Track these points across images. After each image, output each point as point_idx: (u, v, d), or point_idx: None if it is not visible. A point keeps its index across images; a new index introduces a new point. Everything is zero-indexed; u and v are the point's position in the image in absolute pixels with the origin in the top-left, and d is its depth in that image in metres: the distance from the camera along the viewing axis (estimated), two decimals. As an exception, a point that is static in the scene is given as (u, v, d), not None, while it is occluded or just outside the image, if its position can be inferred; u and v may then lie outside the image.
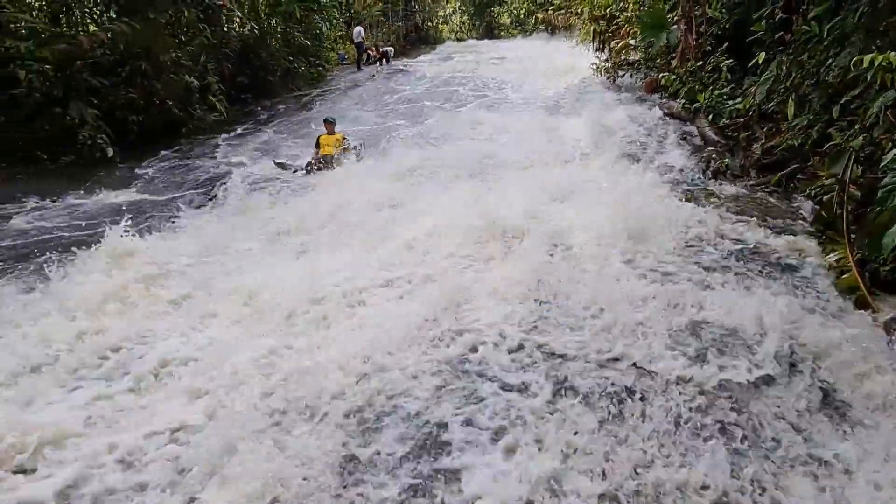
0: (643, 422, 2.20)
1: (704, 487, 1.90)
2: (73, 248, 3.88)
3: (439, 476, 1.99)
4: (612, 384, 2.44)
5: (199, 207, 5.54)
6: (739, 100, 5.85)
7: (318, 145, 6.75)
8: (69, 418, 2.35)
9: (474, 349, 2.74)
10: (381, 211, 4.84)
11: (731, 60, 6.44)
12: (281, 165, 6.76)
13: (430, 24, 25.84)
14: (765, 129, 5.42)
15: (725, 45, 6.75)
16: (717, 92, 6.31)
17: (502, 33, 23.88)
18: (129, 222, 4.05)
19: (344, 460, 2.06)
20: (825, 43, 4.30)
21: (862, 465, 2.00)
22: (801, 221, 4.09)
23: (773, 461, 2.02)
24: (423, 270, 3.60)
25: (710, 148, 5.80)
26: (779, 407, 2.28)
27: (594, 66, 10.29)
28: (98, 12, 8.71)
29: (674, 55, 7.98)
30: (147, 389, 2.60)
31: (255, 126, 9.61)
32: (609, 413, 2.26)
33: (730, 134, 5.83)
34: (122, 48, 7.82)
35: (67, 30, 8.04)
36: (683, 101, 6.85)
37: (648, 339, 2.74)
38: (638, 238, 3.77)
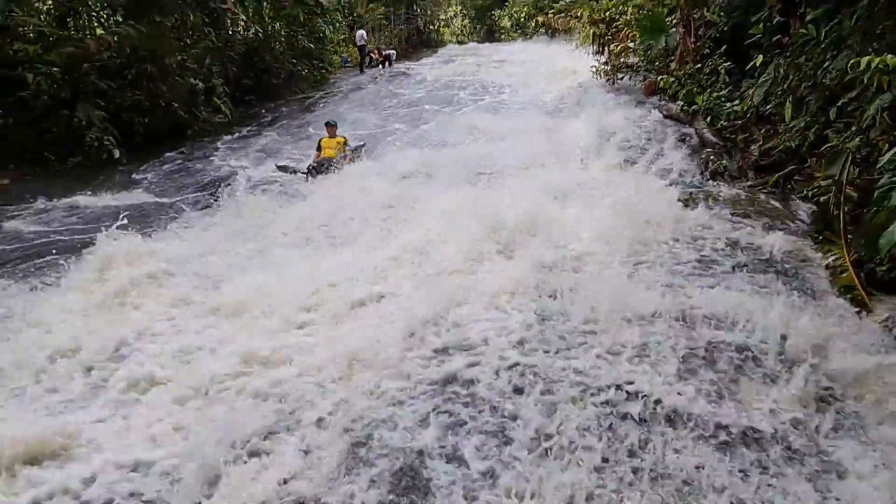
0: (651, 463, 1.97)
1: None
2: (80, 249, 3.96)
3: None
4: (615, 416, 2.23)
5: (203, 209, 5.60)
6: (737, 102, 5.89)
7: (319, 148, 6.78)
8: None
9: (467, 368, 2.59)
10: (381, 213, 4.85)
11: (729, 63, 6.49)
12: (283, 169, 6.80)
13: (431, 27, 25.97)
14: (762, 131, 5.47)
15: (723, 48, 6.80)
16: (715, 94, 6.36)
17: (503, 36, 23.97)
18: (126, 222, 4.10)
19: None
20: (822, 46, 4.35)
21: (861, 465, 2.02)
22: (798, 222, 4.13)
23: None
24: (420, 276, 3.53)
25: (708, 149, 5.84)
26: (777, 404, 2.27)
27: (593, 69, 10.35)
28: (105, 16, 8.81)
29: (672, 58, 8.03)
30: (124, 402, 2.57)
31: (258, 128, 9.69)
32: (612, 450, 2.04)
33: (728, 136, 5.88)
34: (129, 51, 7.93)
35: (75, 33, 8.13)
36: (682, 103, 6.90)
37: (653, 363, 2.54)
38: (638, 240, 3.79)
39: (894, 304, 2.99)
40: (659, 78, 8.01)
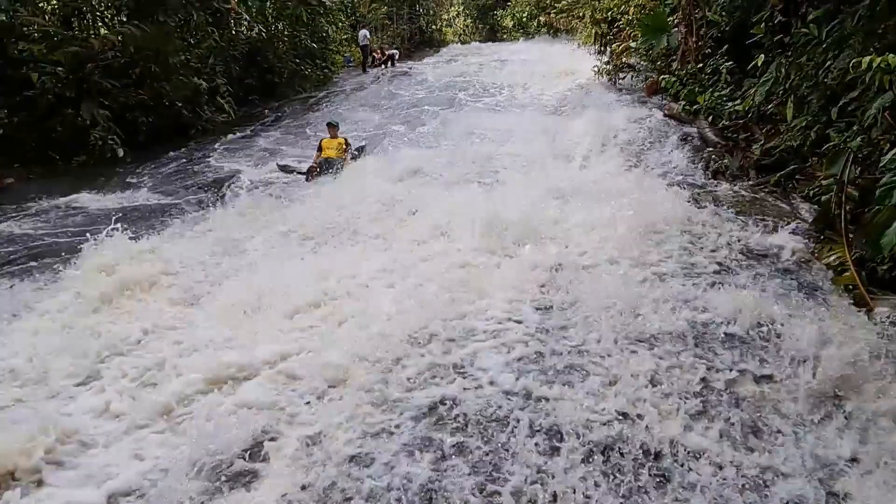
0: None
1: None
2: (76, 251, 3.94)
3: None
4: (623, 458, 2.03)
5: (206, 208, 5.63)
6: (739, 101, 5.90)
7: (320, 149, 6.75)
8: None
9: (461, 392, 2.41)
10: (382, 214, 4.83)
11: (730, 63, 6.50)
12: (285, 168, 6.81)
13: (434, 27, 26.01)
14: (764, 131, 5.48)
15: (725, 47, 6.81)
16: (716, 94, 6.38)
17: (505, 36, 23.96)
18: (117, 226, 4.02)
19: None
20: (824, 45, 4.35)
21: (861, 462, 2.02)
22: (799, 222, 4.13)
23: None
24: (416, 283, 3.42)
25: (709, 149, 5.85)
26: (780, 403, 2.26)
27: (596, 69, 10.36)
28: (109, 16, 8.87)
29: (674, 58, 8.04)
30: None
31: (261, 127, 9.73)
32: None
33: (729, 135, 5.89)
34: (133, 51, 7.97)
35: (79, 33, 8.18)
36: (684, 102, 6.91)
37: (660, 395, 2.34)
38: (640, 241, 3.78)
39: (895, 302, 3.00)
40: (661, 77, 8.03)
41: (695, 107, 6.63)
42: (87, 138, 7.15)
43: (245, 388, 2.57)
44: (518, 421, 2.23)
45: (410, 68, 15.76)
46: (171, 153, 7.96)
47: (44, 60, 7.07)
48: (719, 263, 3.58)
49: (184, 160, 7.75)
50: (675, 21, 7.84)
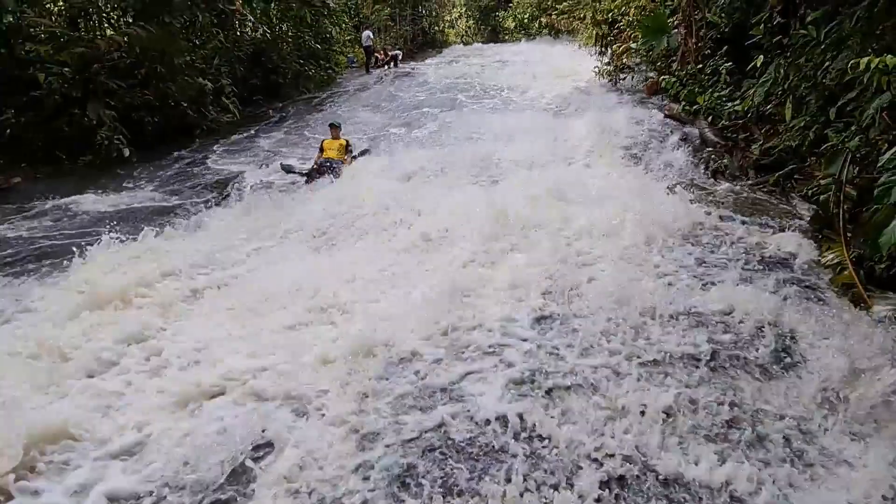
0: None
1: None
2: (80, 251, 3.95)
3: None
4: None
5: (210, 208, 5.68)
6: (738, 102, 5.92)
7: (321, 149, 6.74)
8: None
9: (450, 418, 2.24)
10: (381, 214, 4.83)
11: (730, 63, 6.53)
12: (287, 168, 6.82)
13: (436, 28, 26.10)
14: (763, 131, 5.51)
15: (725, 48, 6.84)
16: (716, 94, 6.41)
17: (507, 37, 24.02)
18: (116, 228, 4.05)
19: None
20: (822, 46, 4.37)
21: (860, 461, 2.03)
22: (798, 221, 4.16)
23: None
24: (408, 291, 3.36)
25: (709, 149, 5.89)
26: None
27: (596, 70, 10.41)
28: (115, 17, 8.94)
29: (674, 58, 8.08)
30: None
31: (266, 128, 9.79)
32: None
33: (729, 135, 5.92)
34: (139, 51, 8.04)
35: (85, 33, 8.25)
36: (684, 103, 6.94)
37: (672, 434, 2.13)
38: (640, 242, 3.79)
39: (893, 301, 3.02)
40: (661, 78, 8.06)
41: (694, 107, 6.66)
42: (93, 138, 7.21)
43: (215, 405, 2.43)
44: (514, 457, 2.02)
45: (413, 69, 15.82)
46: (176, 153, 8.02)
47: (50, 61, 7.14)
48: (726, 267, 3.53)
49: (188, 160, 7.82)
50: (675, 22, 7.88)
